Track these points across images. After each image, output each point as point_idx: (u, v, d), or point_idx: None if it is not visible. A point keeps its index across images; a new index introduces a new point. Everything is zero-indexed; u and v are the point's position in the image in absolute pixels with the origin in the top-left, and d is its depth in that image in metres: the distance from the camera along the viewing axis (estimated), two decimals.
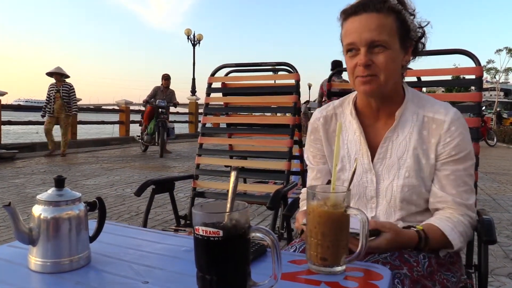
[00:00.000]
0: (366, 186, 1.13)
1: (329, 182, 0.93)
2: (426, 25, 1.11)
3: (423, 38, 1.12)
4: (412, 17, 1.08)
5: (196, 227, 0.66)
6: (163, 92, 8.94)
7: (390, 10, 1.03)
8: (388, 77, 1.04)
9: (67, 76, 8.26)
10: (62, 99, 8.05)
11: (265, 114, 2.98)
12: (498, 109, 24.98)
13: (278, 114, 2.87)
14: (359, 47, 1.03)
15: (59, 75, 8.13)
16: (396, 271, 0.93)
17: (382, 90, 1.06)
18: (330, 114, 1.21)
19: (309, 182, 1.27)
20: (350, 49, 1.06)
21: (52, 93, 8.09)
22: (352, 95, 1.20)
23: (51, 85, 8.16)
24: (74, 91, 8.23)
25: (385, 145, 1.12)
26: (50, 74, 8.13)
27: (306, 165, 1.31)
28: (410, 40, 1.08)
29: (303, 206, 1.20)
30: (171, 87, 9.16)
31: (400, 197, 1.09)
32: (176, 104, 9.26)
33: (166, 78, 9.02)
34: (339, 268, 0.80)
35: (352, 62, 1.06)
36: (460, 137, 1.07)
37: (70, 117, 8.34)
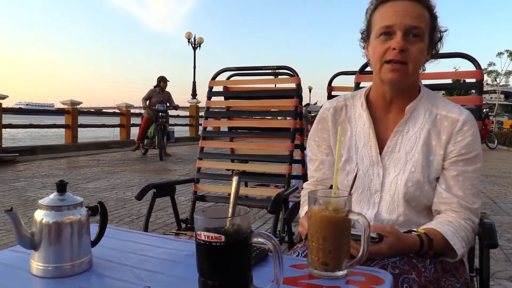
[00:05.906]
0: (372, 179, 1.12)
1: (331, 187, 0.92)
2: (445, 31, 1.12)
3: (440, 42, 1.12)
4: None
5: (198, 232, 0.66)
6: (159, 95, 8.87)
7: (425, 6, 1.05)
8: (415, 69, 1.06)
9: None
10: None
11: (266, 117, 2.98)
12: (485, 110, 24.44)
13: (279, 118, 2.87)
14: (396, 30, 1.02)
15: None
16: (405, 276, 0.92)
17: (406, 81, 1.07)
18: (341, 105, 1.21)
19: (310, 174, 1.26)
20: (385, 32, 1.04)
21: None
22: (364, 89, 1.20)
23: None
24: None
25: (395, 139, 1.11)
26: None
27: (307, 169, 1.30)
28: (435, 40, 1.10)
29: (303, 205, 1.19)
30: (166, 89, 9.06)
31: (403, 191, 1.08)
32: (176, 107, 9.23)
33: (164, 81, 8.90)
34: (340, 273, 0.80)
35: (384, 46, 1.04)
36: (471, 137, 1.07)
37: None
